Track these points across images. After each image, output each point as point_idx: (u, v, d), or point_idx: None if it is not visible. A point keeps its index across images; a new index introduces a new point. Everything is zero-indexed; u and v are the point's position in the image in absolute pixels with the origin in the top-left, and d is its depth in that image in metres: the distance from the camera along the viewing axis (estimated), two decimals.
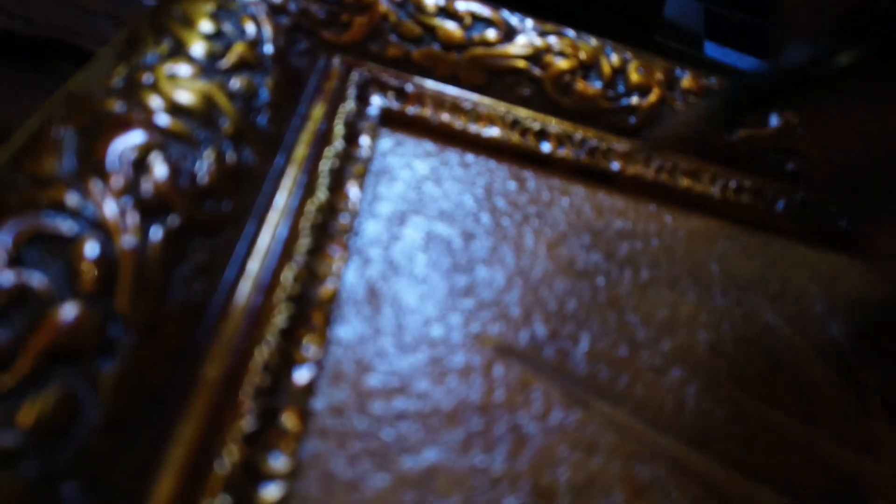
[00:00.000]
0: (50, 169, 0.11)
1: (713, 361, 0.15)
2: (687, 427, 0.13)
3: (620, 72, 0.22)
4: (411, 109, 0.19)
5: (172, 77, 0.14)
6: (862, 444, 0.14)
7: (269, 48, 0.17)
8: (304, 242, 0.14)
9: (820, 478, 0.13)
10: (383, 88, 0.19)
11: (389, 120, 0.19)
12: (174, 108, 0.14)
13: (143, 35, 0.15)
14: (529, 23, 0.23)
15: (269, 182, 0.15)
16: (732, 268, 0.18)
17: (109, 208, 0.11)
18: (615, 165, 0.20)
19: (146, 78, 0.14)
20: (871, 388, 0.15)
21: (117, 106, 0.13)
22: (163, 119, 0.13)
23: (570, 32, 0.23)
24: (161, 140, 0.13)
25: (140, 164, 0.12)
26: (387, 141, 0.18)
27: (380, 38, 0.21)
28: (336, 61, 0.19)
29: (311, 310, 0.13)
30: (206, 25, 0.16)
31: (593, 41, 0.23)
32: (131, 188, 0.12)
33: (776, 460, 0.13)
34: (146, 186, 0.12)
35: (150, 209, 0.12)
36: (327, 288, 0.14)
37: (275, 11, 0.19)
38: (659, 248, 0.18)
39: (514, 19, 0.22)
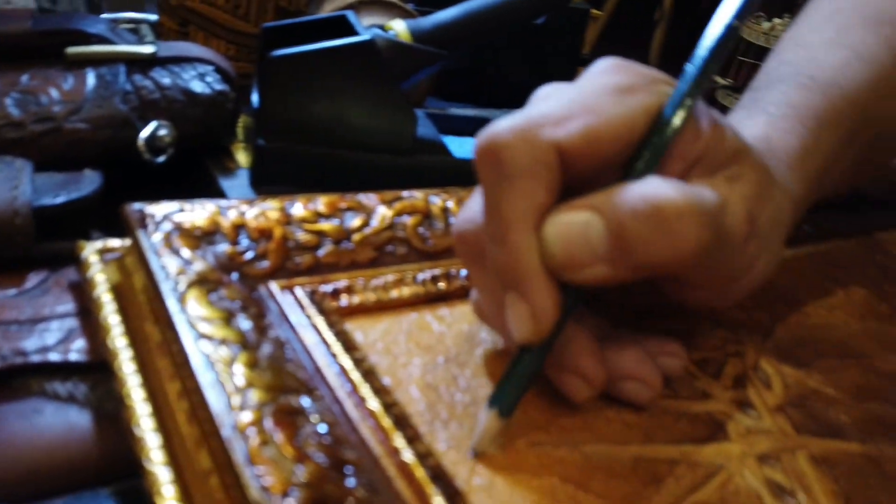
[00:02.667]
0: None
1: None
2: None
3: (445, 210, 0.31)
4: (355, 299, 0.25)
5: None
6: None
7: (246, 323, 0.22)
8: None
9: None
10: (323, 298, 0.25)
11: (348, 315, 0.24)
12: None
13: None
14: (373, 197, 0.30)
15: None
16: None
17: None
18: None
19: None
20: None
21: None
22: None
23: (405, 193, 0.30)
24: None
25: None
26: (359, 334, 0.24)
27: (291, 256, 0.26)
28: (277, 292, 0.24)
29: None
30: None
31: (417, 194, 0.31)
32: None
33: None
34: None
35: None
36: None
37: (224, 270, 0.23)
38: None
39: (363, 197, 0.29)
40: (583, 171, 0.21)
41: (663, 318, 0.28)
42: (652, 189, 0.20)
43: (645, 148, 0.22)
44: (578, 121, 0.21)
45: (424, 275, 0.27)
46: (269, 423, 0.17)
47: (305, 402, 0.19)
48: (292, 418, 0.18)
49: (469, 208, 0.23)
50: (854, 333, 0.30)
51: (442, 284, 0.27)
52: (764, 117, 0.30)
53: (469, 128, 0.49)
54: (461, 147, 0.45)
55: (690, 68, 0.23)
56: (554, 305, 0.20)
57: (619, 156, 0.21)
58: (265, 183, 0.37)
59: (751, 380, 0.26)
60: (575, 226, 0.20)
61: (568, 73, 0.68)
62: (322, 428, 0.18)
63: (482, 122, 0.50)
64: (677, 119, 0.22)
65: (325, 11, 0.50)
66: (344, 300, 0.25)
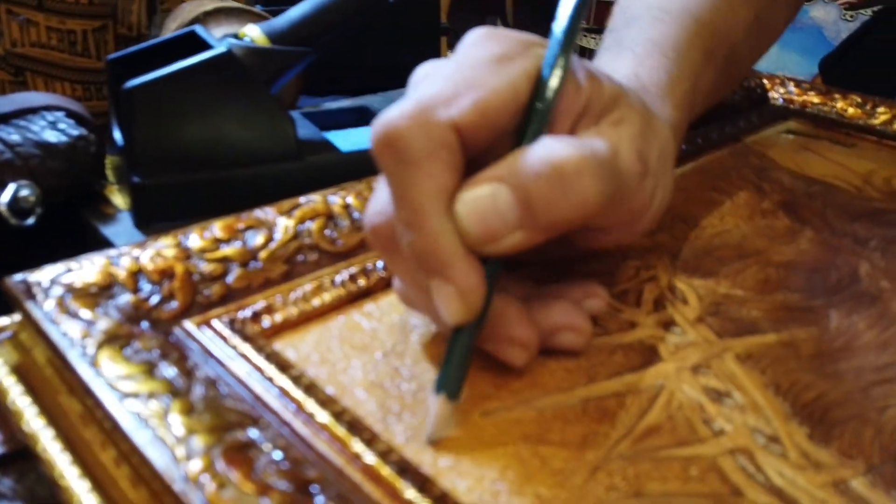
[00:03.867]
0: None
1: None
2: None
3: (346, 207, 0.30)
4: (277, 318, 0.24)
5: None
6: None
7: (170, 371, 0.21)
8: None
9: None
10: (244, 324, 0.24)
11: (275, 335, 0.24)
12: None
13: None
14: (270, 211, 0.29)
15: None
16: None
17: None
18: None
19: None
20: None
21: None
22: None
23: (303, 199, 0.29)
24: None
25: None
26: (291, 352, 0.23)
27: (199, 290, 0.24)
28: (193, 328, 0.23)
29: None
30: None
31: (315, 197, 0.30)
32: None
33: None
34: None
35: None
36: None
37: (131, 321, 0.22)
38: None
39: (260, 213, 0.28)
40: (480, 144, 0.21)
41: (580, 263, 0.29)
42: (548, 150, 0.20)
43: (532, 111, 0.22)
44: (468, 97, 0.21)
45: (342, 276, 0.27)
46: (221, 465, 0.17)
47: (253, 433, 0.18)
48: (244, 453, 0.17)
49: (377, 200, 0.23)
50: (746, 234, 0.33)
51: (362, 282, 0.27)
52: (629, 56, 0.31)
53: (349, 119, 0.48)
54: (346, 140, 0.44)
55: (557, 27, 0.23)
56: (480, 282, 0.20)
57: (510, 124, 0.22)
58: (151, 221, 0.35)
59: (668, 300, 0.27)
60: (483, 200, 0.20)
61: (432, 45, 0.68)
62: (277, 455, 0.18)
63: (359, 111, 0.49)
64: (556, 79, 0.22)
65: (171, 30, 0.47)
66: (266, 321, 0.24)
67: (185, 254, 0.26)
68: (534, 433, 0.21)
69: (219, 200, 0.36)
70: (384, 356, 0.24)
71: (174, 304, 0.24)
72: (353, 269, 0.27)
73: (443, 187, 0.20)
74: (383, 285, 0.27)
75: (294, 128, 0.38)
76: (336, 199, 0.30)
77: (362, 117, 0.49)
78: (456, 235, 0.20)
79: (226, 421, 0.18)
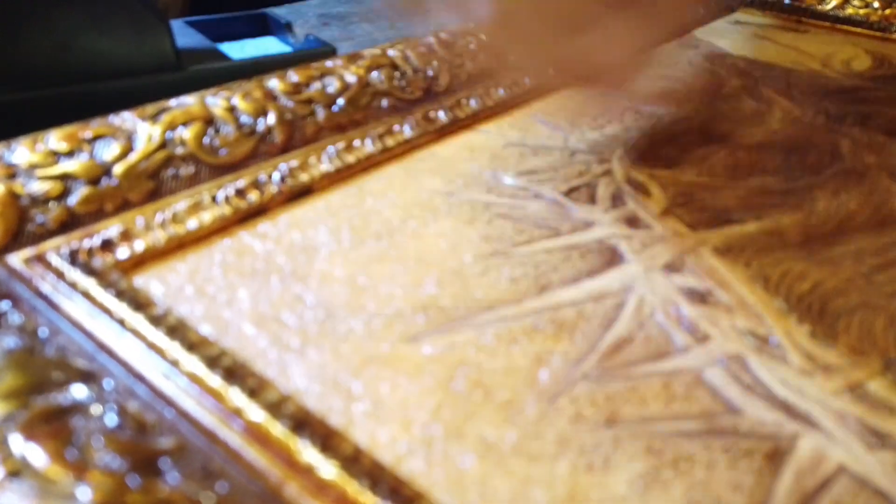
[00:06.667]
0: None
1: None
2: None
3: (232, 110, 0.24)
4: (138, 245, 0.18)
5: None
6: None
7: None
8: None
9: None
10: (91, 255, 0.18)
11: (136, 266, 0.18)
12: None
13: None
14: (129, 115, 0.23)
15: None
16: None
17: None
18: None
19: None
20: None
21: None
22: None
23: (173, 102, 0.23)
24: None
25: None
26: (156, 286, 0.18)
27: (29, 217, 0.19)
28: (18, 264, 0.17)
29: None
30: None
31: (189, 99, 0.24)
32: None
33: None
34: None
35: None
36: None
37: None
38: None
39: (114, 119, 0.22)
40: None
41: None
42: None
43: None
44: None
45: (226, 191, 0.21)
46: (17, 442, 0.11)
47: (80, 392, 0.13)
48: (60, 422, 0.12)
49: None
50: (710, 118, 0.28)
51: (253, 196, 0.21)
52: None
53: (246, 29, 0.41)
54: (242, 50, 0.38)
55: None
56: None
57: None
58: None
59: (628, 193, 0.23)
60: None
61: None
62: (111, 420, 0.12)
63: (258, 19, 0.42)
64: None
65: None
66: (123, 251, 0.19)
67: (10, 171, 0.19)
68: (472, 359, 0.16)
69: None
70: (282, 281, 0.18)
71: None
72: (241, 183, 0.22)
73: None
74: (282, 200, 0.22)
75: (169, 33, 0.31)
76: (218, 100, 0.24)
77: (263, 26, 0.42)
78: None
79: (39, 379, 0.13)
